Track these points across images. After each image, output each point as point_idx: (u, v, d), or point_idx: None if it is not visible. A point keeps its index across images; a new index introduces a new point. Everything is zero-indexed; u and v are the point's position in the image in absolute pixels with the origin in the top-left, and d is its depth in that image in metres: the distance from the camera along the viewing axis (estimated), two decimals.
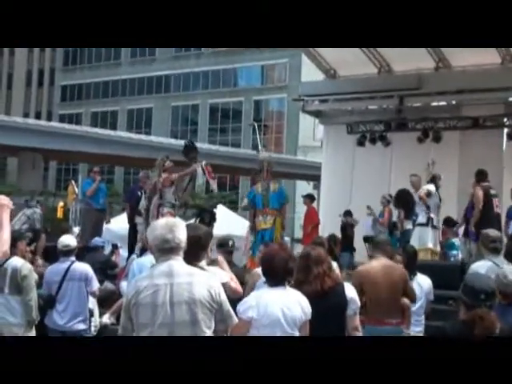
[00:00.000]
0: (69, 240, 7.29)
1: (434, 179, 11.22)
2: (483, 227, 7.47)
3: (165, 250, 3.65)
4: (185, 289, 3.56)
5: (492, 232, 6.74)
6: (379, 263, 5.98)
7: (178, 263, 3.65)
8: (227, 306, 3.71)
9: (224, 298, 3.68)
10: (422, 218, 10.97)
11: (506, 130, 13.85)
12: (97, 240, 10.89)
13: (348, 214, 14.05)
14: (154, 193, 10.46)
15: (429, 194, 10.89)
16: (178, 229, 3.68)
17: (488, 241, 6.53)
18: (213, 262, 5.12)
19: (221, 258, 5.19)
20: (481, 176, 10.42)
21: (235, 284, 4.78)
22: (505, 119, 13.89)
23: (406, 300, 6.07)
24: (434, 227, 11.08)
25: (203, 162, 10.62)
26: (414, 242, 10.45)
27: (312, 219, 13.88)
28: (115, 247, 12.83)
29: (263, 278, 4.48)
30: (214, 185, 11.46)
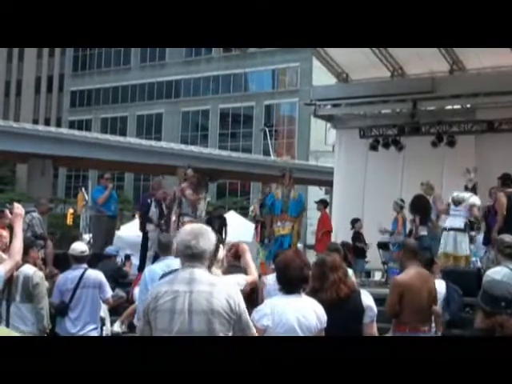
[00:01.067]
0: (82, 246, 7.23)
1: (475, 187, 10.91)
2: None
3: (187, 255, 3.61)
4: (204, 298, 3.51)
5: (508, 237, 6.68)
6: (415, 271, 5.92)
7: (200, 271, 3.60)
8: (246, 316, 3.65)
9: (243, 308, 3.61)
10: (459, 223, 10.56)
11: None
12: (110, 249, 10.93)
13: (356, 221, 13.95)
14: (174, 201, 10.55)
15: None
16: (204, 237, 3.64)
17: (504, 246, 6.49)
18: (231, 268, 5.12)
19: (243, 246, 5.16)
20: (507, 181, 10.10)
21: (251, 277, 4.81)
22: None
23: (435, 307, 6.06)
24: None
25: (208, 199, 11.09)
26: (450, 247, 10.30)
27: (324, 225, 13.79)
28: (128, 258, 12.88)
29: (269, 285, 4.42)
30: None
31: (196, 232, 3.66)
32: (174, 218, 10.42)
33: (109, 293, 7.13)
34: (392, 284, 5.93)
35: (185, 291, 3.53)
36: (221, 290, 3.57)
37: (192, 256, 3.60)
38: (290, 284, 4.20)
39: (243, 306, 3.63)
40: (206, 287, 3.54)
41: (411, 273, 5.96)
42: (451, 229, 10.61)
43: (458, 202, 10.63)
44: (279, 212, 10.89)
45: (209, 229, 3.78)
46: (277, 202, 10.97)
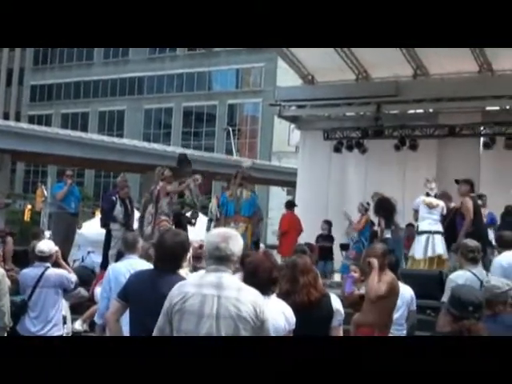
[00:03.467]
0: (44, 246, 7.02)
1: (436, 196, 10.90)
2: (474, 238, 7.37)
3: (215, 257, 3.63)
4: (232, 304, 3.52)
5: (470, 242, 6.80)
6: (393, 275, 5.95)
7: (226, 275, 3.62)
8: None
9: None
10: (439, 226, 10.61)
11: (482, 139, 13.93)
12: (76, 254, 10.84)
13: (327, 223, 13.99)
14: (151, 201, 10.57)
15: None
16: (233, 241, 3.67)
17: (467, 251, 6.61)
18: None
19: None
20: (472, 187, 10.25)
21: None
22: (481, 128, 13.96)
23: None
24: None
25: (199, 180, 10.71)
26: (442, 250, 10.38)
27: (281, 226, 13.84)
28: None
29: None
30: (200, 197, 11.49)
31: (226, 235, 3.70)
32: (150, 217, 10.36)
33: (72, 285, 6.96)
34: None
35: (213, 295, 3.54)
36: (247, 295, 3.58)
37: (220, 258, 3.62)
38: (259, 286, 4.18)
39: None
40: (234, 292, 3.55)
41: (393, 276, 5.99)
42: (429, 232, 10.59)
43: (432, 206, 10.74)
44: (232, 213, 10.83)
45: (237, 233, 3.81)
46: (229, 203, 10.90)
